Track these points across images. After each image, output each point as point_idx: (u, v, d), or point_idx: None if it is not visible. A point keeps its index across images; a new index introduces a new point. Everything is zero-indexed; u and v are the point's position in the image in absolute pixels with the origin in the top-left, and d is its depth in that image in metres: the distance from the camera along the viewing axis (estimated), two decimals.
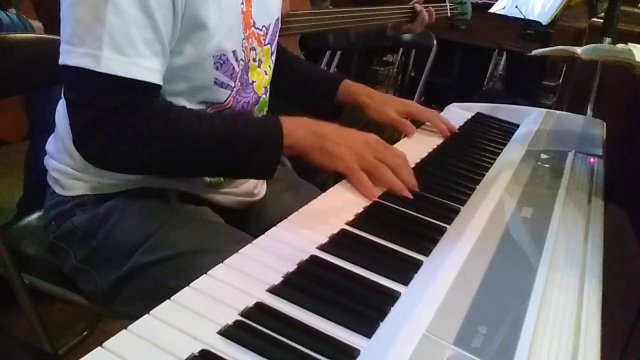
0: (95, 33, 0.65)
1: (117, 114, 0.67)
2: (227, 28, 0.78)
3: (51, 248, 0.87)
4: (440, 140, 1.01)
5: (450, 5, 2.01)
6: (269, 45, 0.90)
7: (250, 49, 0.84)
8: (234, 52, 0.80)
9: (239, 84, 0.83)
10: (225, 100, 0.83)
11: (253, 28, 0.84)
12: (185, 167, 0.75)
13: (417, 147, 0.95)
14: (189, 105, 0.79)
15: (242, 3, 0.80)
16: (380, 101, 1.02)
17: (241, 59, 0.82)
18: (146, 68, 0.68)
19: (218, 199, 0.88)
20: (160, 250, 0.76)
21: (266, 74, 0.90)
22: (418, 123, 1.06)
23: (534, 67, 2.91)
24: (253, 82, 0.87)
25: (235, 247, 0.57)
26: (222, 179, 0.87)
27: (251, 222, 0.94)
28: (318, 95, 1.05)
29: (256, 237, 0.61)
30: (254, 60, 0.86)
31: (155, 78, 0.70)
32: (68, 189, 0.83)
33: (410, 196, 0.74)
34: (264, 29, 0.87)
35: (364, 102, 1.02)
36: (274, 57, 0.93)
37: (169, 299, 0.48)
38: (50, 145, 0.86)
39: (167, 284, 0.72)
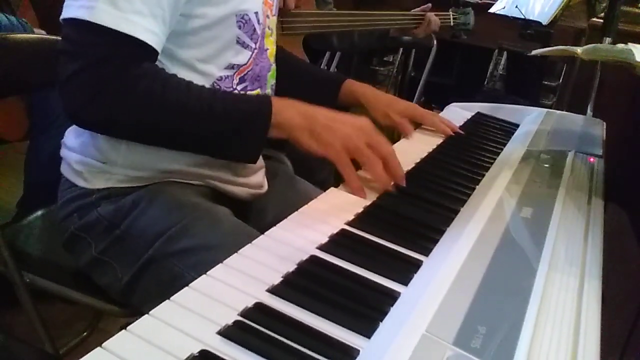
0: None
1: (104, 65, 0.67)
2: None
3: (69, 240, 0.86)
4: (440, 140, 1.01)
5: (453, 15, 2.01)
6: (274, 17, 0.92)
7: (266, 16, 0.86)
8: (256, 13, 0.82)
9: (258, 47, 0.85)
10: (248, 61, 0.84)
11: None
12: (167, 135, 0.74)
13: (417, 147, 0.96)
14: (217, 72, 0.80)
15: None
16: (384, 102, 1.02)
17: (261, 23, 0.84)
18: (141, 26, 0.68)
19: (235, 191, 0.89)
20: (180, 241, 0.76)
21: (274, 44, 0.92)
22: (417, 124, 1.06)
23: (534, 67, 2.91)
24: (267, 49, 0.88)
25: None
26: None
27: (252, 216, 0.94)
28: (321, 95, 1.05)
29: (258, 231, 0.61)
30: (269, 28, 0.88)
31: (150, 39, 0.69)
32: (93, 182, 0.82)
33: (390, 189, 0.75)
34: (271, 0, 0.89)
35: (368, 102, 1.02)
36: (274, 38, 0.93)
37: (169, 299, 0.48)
38: (71, 138, 0.86)
39: (183, 277, 0.72)
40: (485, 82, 3.24)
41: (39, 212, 1.05)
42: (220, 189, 0.87)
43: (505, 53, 3.18)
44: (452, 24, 2.02)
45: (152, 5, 0.69)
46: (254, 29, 0.82)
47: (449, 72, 3.28)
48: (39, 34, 1.48)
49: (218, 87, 0.81)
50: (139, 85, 0.69)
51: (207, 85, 0.79)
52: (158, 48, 0.71)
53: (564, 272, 0.60)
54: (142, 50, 0.69)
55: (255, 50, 0.84)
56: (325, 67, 2.44)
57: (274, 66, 0.92)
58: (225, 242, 0.74)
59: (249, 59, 0.84)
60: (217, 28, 0.78)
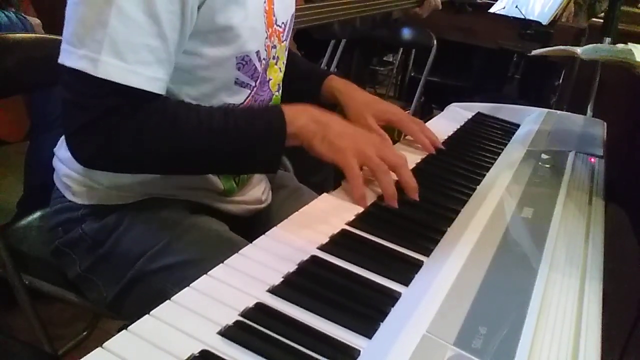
0: (95, 36, 0.63)
1: (112, 115, 0.66)
2: (251, 29, 0.76)
3: (55, 252, 0.86)
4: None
5: None
6: (285, 42, 0.88)
7: (272, 47, 0.83)
8: (257, 52, 0.79)
9: (259, 83, 0.82)
10: (245, 100, 0.81)
11: (275, 26, 0.83)
12: (187, 165, 0.73)
13: (416, 147, 0.95)
14: None
15: (265, 2, 0.79)
16: (360, 102, 0.95)
17: (263, 58, 0.81)
18: (146, 77, 0.66)
19: (230, 208, 0.87)
20: (163, 258, 0.76)
21: (280, 70, 0.89)
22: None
23: (551, 71, 2.84)
24: (269, 79, 0.86)
25: None
26: (234, 185, 0.86)
27: (258, 230, 0.93)
28: (305, 90, 1.01)
29: None
30: (273, 57, 0.85)
31: (156, 87, 0.67)
32: (80, 197, 0.82)
33: (395, 205, 0.71)
34: (283, 25, 0.86)
35: (344, 101, 0.97)
36: (286, 54, 0.91)
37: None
38: (62, 150, 0.84)
39: (168, 294, 0.72)
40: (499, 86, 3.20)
41: (38, 214, 1.05)
42: (211, 207, 0.86)
43: (522, 57, 3.14)
44: None
45: (158, 52, 0.66)
46: (255, 68, 0.80)
47: (466, 75, 3.18)
48: (35, 24, 1.48)
49: None
50: (149, 126, 0.67)
51: None
52: (163, 91, 0.69)
53: (565, 272, 0.60)
54: (148, 97, 0.67)
55: (255, 88, 0.82)
56: (325, 67, 2.44)
57: (276, 94, 0.89)
58: (209, 255, 0.73)
59: (247, 98, 0.81)
60: (216, 69, 0.76)
